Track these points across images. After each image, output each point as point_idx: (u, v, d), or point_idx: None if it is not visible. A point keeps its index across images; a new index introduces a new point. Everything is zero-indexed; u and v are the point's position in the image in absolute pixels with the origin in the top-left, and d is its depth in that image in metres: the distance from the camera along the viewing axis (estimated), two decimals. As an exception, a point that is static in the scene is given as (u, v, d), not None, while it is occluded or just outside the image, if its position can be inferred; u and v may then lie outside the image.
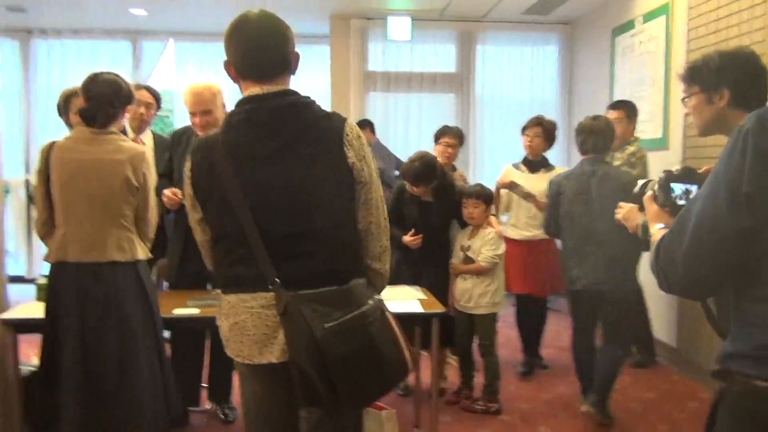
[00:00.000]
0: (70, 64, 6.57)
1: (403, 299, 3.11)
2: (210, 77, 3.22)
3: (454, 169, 4.26)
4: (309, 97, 1.77)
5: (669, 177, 1.53)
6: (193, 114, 3.07)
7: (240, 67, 1.73)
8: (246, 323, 1.71)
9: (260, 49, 1.71)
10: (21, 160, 6.61)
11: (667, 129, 4.53)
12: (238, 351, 1.75)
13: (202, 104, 3.03)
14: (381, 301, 1.78)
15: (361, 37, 6.26)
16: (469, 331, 3.63)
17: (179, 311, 2.79)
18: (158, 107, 3.81)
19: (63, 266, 2.46)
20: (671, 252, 1.15)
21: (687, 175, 1.52)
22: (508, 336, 4.59)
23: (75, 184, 2.46)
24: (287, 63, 1.75)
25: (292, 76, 1.79)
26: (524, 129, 4.17)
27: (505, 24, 6.34)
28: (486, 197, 3.58)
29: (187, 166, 1.80)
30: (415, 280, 3.51)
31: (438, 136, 4.16)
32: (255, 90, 1.72)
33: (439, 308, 2.99)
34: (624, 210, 2.09)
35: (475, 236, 3.60)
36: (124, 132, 3.75)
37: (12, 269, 6.03)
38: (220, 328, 1.80)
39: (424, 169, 3.51)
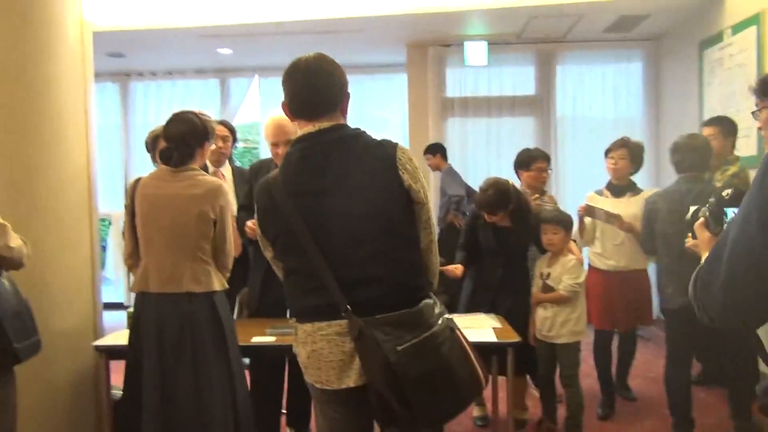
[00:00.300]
0: (164, 103, 7.00)
1: (478, 327, 3.06)
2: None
3: (544, 192, 4.14)
4: (359, 129, 1.86)
5: (720, 202, 1.42)
6: (275, 144, 3.15)
7: (293, 107, 1.85)
8: (323, 350, 1.79)
9: (309, 90, 1.82)
10: (121, 194, 7.05)
11: (761, 146, 4.27)
12: (317, 377, 1.82)
13: (285, 134, 3.09)
14: (450, 319, 1.85)
15: (437, 64, 6.30)
16: (551, 361, 3.51)
17: (257, 339, 2.87)
18: (235, 140, 3.98)
19: (145, 296, 2.59)
20: (708, 281, 1.08)
21: (739, 199, 1.41)
22: (593, 366, 4.40)
23: (154, 218, 2.58)
24: (335, 102, 1.84)
25: (349, 111, 1.89)
26: (608, 151, 3.93)
27: (586, 43, 6.20)
28: (566, 223, 3.48)
29: (256, 208, 1.93)
30: (492, 307, 3.45)
31: (528, 162, 4.02)
32: (308, 128, 1.83)
33: (513, 337, 2.92)
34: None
35: (555, 263, 3.49)
36: (204, 167, 3.95)
37: (112, 296, 6.42)
38: (298, 355, 1.89)
39: (498, 196, 3.46)
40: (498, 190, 3.45)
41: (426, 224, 1.87)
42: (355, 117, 6.66)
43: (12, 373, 2.23)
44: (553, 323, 3.44)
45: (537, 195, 3.97)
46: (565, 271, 3.43)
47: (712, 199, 1.44)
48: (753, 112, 1.61)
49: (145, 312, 2.57)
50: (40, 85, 2.83)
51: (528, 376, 3.76)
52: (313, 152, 1.81)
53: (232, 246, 2.75)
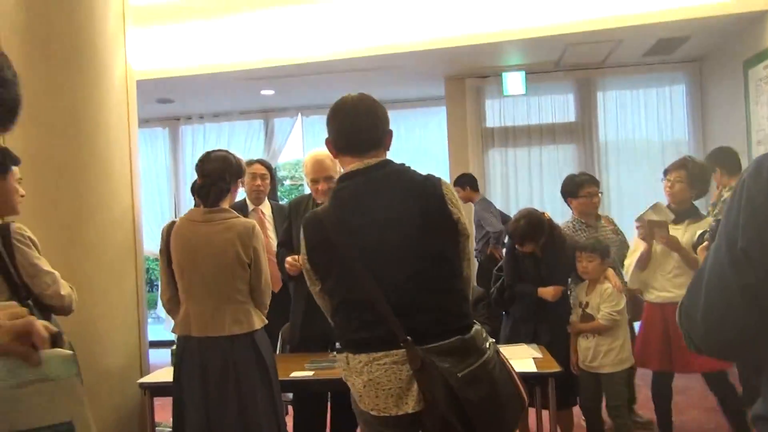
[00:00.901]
0: (211, 145, 7.20)
1: (518, 358, 3.01)
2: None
3: (599, 217, 4.05)
4: (404, 164, 1.95)
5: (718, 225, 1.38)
6: (315, 181, 3.19)
7: (339, 144, 1.94)
8: (381, 379, 1.85)
9: (356, 128, 1.91)
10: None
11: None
12: (373, 405, 1.87)
13: (325, 171, 3.14)
14: (494, 343, 1.94)
15: (476, 95, 6.34)
16: (596, 391, 3.42)
17: (296, 374, 2.90)
18: (273, 178, 4.08)
19: (187, 339, 2.62)
20: (691, 310, 1.04)
21: None
22: (647, 395, 4.25)
23: (190, 263, 2.60)
24: (381, 140, 1.94)
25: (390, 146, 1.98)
26: (666, 172, 3.60)
27: (626, 68, 6.15)
28: (601, 250, 3.43)
29: (302, 243, 1.99)
30: (534, 338, 3.40)
31: (576, 189, 3.89)
32: (356, 165, 1.90)
33: (554, 367, 2.86)
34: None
35: (592, 292, 3.43)
36: (244, 205, 4.06)
37: (162, 334, 6.57)
38: (352, 386, 1.93)
39: (531, 227, 3.42)
40: (529, 222, 3.42)
41: (468, 255, 1.97)
42: (398, 150, 6.76)
43: None
44: (595, 353, 3.35)
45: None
46: (603, 299, 3.36)
47: (713, 223, 1.40)
48: None
49: (188, 354, 2.61)
50: (87, 131, 2.98)
51: (577, 407, 3.66)
52: (365, 188, 1.89)
53: (269, 283, 2.78)
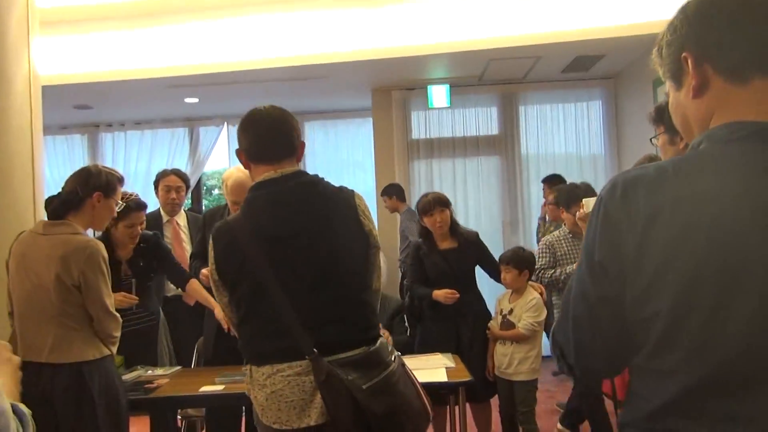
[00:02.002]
0: (133, 154, 7.02)
1: (431, 368, 3.04)
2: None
3: None
4: (317, 175, 1.96)
5: None
6: (236, 203, 3.13)
7: (253, 152, 1.93)
8: (284, 391, 1.82)
9: (271, 136, 1.92)
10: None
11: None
12: (275, 418, 1.83)
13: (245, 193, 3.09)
14: (399, 355, 1.96)
15: (402, 107, 6.40)
16: (510, 397, 3.50)
17: (205, 388, 2.83)
18: (188, 189, 4.00)
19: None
20: (563, 323, 1.08)
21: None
22: (549, 406, 4.37)
23: (17, 276, 2.42)
24: (294, 148, 1.95)
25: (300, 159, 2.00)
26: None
27: (546, 83, 6.34)
28: (518, 262, 3.53)
29: (211, 253, 1.94)
30: (455, 336, 3.49)
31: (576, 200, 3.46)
32: (270, 173, 1.89)
33: (465, 376, 2.91)
34: None
35: (516, 300, 3.52)
36: (158, 216, 3.95)
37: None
38: (254, 399, 1.89)
39: (438, 195, 3.64)
40: (436, 195, 3.67)
41: (378, 268, 2.00)
42: (325, 161, 6.75)
43: None
44: (511, 360, 3.44)
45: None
46: (526, 309, 3.45)
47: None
48: (651, 139, 1.67)
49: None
50: (-16, 138, 2.84)
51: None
52: (279, 197, 1.89)
53: (109, 311, 2.47)
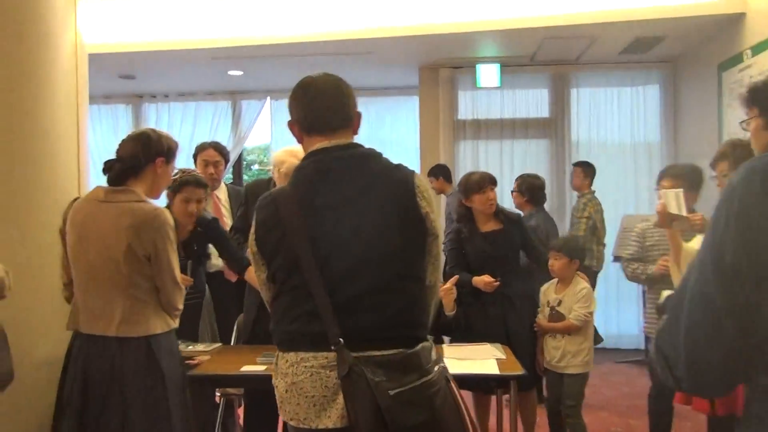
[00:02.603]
0: (176, 125, 6.99)
1: (481, 358, 2.92)
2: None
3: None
4: (374, 149, 1.77)
5: None
6: (288, 175, 3.01)
7: (305, 123, 1.76)
8: (304, 384, 1.63)
9: (325, 104, 1.75)
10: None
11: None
12: (293, 414, 1.66)
13: None
14: (445, 368, 1.71)
15: (450, 86, 6.23)
16: (560, 390, 3.37)
17: (246, 368, 2.76)
18: (226, 163, 3.91)
19: (76, 336, 2.35)
20: (672, 330, 0.92)
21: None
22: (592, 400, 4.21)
23: (80, 247, 2.29)
24: (350, 118, 1.77)
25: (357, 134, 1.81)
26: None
27: (601, 65, 6.09)
28: (570, 251, 3.38)
29: (253, 224, 1.79)
30: (503, 323, 3.36)
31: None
32: (323, 143, 1.72)
33: (517, 369, 2.77)
34: None
35: (564, 291, 3.38)
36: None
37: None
38: (276, 388, 1.72)
39: (488, 173, 3.52)
40: (487, 173, 3.58)
41: (435, 259, 1.75)
42: (367, 139, 6.61)
43: None
44: (564, 353, 3.31)
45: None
46: (576, 299, 3.31)
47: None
48: (741, 122, 1.49)
49: (74, 355, 2.30)
50: (29, 105, 2.77)
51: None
52: (330, 166, 1.71)
53: (177, 282, 2.38)
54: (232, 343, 3.45)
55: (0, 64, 2.69)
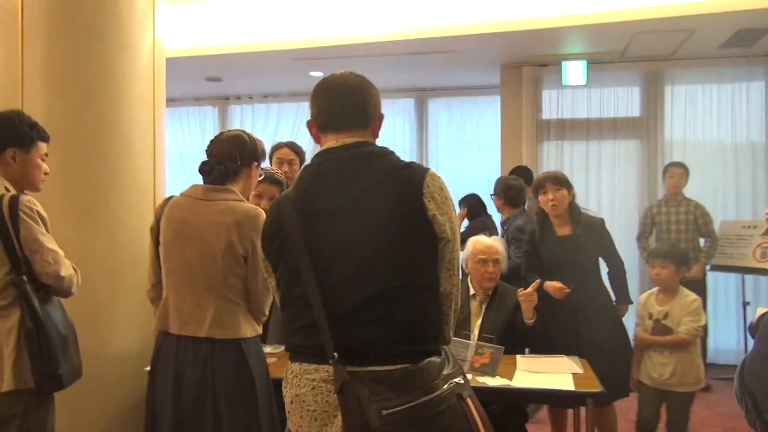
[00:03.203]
0: (259, 125, 7.13)
1: (556, 372, 2.75)
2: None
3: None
4: (387, 148, 1.65)
5: None
6: None
7: (319, 119, 1.68)
8: (306, 397, 1.56)
9: (339, 100, 1.66)
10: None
11: None
12: (297, 427, 1.60)
13: None
14: (462, 384, 1.54)
15: (533, 85, 6.00)
16: (658, 408, 3.17)
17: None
18: (302, 162, 3.90)
19: (166, 336, 2.32)
20: (765, 369, 0.76)
21: None
22: (697, 416, 3.91)
23: (176, 245, 2.26)
24: (365, 116, 1.66)
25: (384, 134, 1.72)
26: None
27: (699, 60, 5.68)
28: (676, 257, 3.16)
29: (264, 228, 1.74)
30: (574, 333, 3.17)
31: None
32: (332, 143, 1.64)
33: (594, 386, 2.58)
34: None
35: (670, 302, 3.16)
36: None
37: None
38: (285, 397, 1.66)
39: (554, 172, 3.39)
40: (552, 172, 3.47)
41: (449, 265, 1.59)
42: (448, 141, 6.52)
43: (51, 398, 2.20)
44: (674, 371, 3.10)
45: None
46: (687, 311, 3.10)
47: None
48: None
49: (165, 356, 2.28)
50: (108, 106, 2.87)
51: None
52: (330, 168, 1.62)
53: (268, 286, 2.29)
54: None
55: (80, 65, 2.79)
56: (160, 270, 2.32)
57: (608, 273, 3.42)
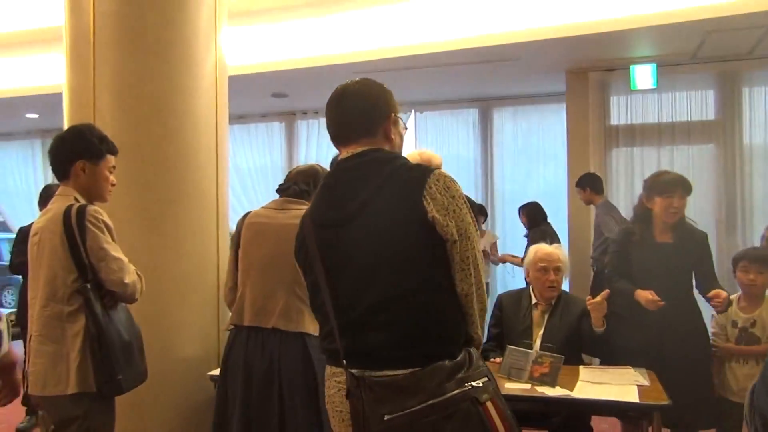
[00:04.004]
0: (324, 140, 7.20)
1: (619, 384, 2.64)
2: (432, 150, 3.20)
3: None
4: (396, 154, 1.67)
5: None
6: None
7: (331, 134, 1.73)
8: (334, 399, 1.63)
9: (339, 115, 1.69)
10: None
11: None
12: (333, 426, 1.67)
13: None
14: (480, 388, 1.48)
15: (600, 90, 5.84)
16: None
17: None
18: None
19: (239, 330, 2.52)
20: None
21: None
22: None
23: (254, 242, 2.50)
24: (370, 124, 1.67)
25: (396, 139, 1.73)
26: None
27: (781, 59, 5.39)
28: None
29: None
30: (657, 349, 2.96)
31: None
32: (343, 155, 1.68)
33: (661, 399, 2.46)
34: None
35: (757, 310, 2.99)
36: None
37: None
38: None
39: (684, 177, 3.11)
40: (682, 176, 3.19)
41: (462, 265, 1.56)
42: (514, 150, 6.44)
43: (112, 401, 2.28)
44: None
45: None
46: None
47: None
48: None
49: (236, 347, 2.48)
50: (174, 122, 2.99)
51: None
52: (337, 180, 1.67)
53: None
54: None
55: (147, 82, 2.93)
56: (236, 275, 2.55)
57: (696, 286, 3.15)
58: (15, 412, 4.72)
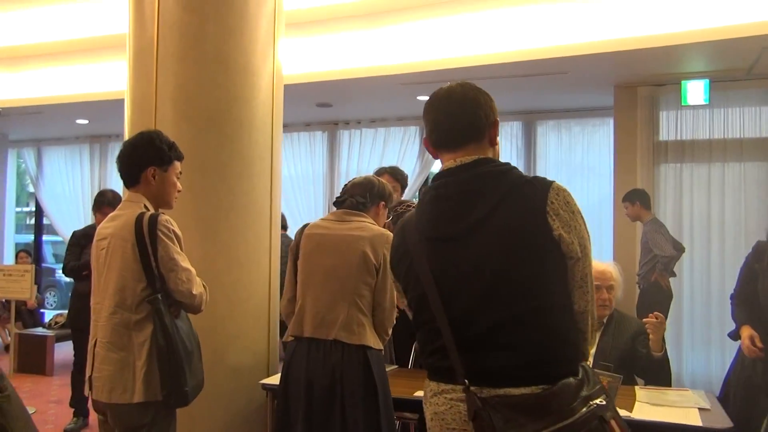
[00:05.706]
0: (366, 149, 7.28)
1: (679, 406, 2.57)
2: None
3: None
4: (508, 164, 1.60)
5: None
6: None
7: (432, 138, 1.67)
8: (445, 415, 1.57)
9: (447, 118, 1.63)
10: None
11: None
12: None
13: None
14: (603, 406, 1.45)
15: (649, 106, 5.75)
16: None
17: (420, 393, 2.70)
18: (403, 189, 3.90)
19: (299, 341, 2.54)
20: None
21: None
22: None
23: (315, 253, 2.53)
24: (477, 129, 1.61)
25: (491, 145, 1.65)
26: None
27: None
28: None
29: (391, 251, 1.77)
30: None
31: None
32: (449, 163, 1.62)
33: (725, 423, 2.39)
34: None
35: None
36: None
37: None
38: (425, 414, 1.66)
39: None
40: None
41: (581, 282, 1.54)
42: (558, 164, 6.35)
43: (174, 412, 2.29)
44: None
45: None
46: None
47: None
48: None
49: (297, 359, 2.49)
50: (231, 130, 3.03)
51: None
52: (449, 191, 1.59)
53: (395, 304, 2.57)
54: (409, 366, 3.43)
55: (206, 92, 2.98)
56: (295, 286, 2.58)
57: None
58: (63, 413, 4.82)
